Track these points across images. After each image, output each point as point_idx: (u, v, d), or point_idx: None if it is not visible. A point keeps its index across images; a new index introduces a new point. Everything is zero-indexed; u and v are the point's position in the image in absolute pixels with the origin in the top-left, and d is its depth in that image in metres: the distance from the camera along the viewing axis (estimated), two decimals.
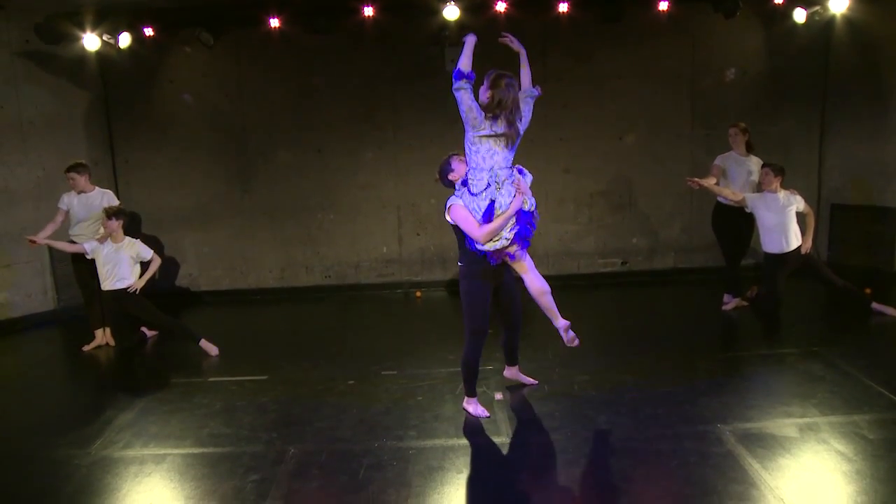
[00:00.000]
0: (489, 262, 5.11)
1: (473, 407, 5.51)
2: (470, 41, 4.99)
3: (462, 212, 5.05)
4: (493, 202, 4.93)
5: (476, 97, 4.95)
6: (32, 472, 4.92)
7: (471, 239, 5.05)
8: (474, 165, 5.00)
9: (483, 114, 4.88)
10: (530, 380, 6.02)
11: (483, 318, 5.29)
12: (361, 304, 9.48)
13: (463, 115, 4.91)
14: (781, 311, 7.54)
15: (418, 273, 10.01)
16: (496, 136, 4.92)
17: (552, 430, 5.21)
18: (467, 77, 4.86)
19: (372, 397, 5.95)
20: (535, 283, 5.25)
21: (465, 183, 5.09)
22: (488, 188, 4.94)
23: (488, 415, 5.45)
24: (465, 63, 4.90)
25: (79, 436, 5.44)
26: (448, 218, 5.19)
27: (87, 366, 7.51)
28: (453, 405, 5.69)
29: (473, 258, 5.14)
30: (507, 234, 4.99)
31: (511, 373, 6.05)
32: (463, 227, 5.06)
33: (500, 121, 4.91)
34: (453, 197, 5.18)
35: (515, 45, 5.28)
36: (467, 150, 5.03)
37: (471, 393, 5.54)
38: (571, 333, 5.27)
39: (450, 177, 5.34)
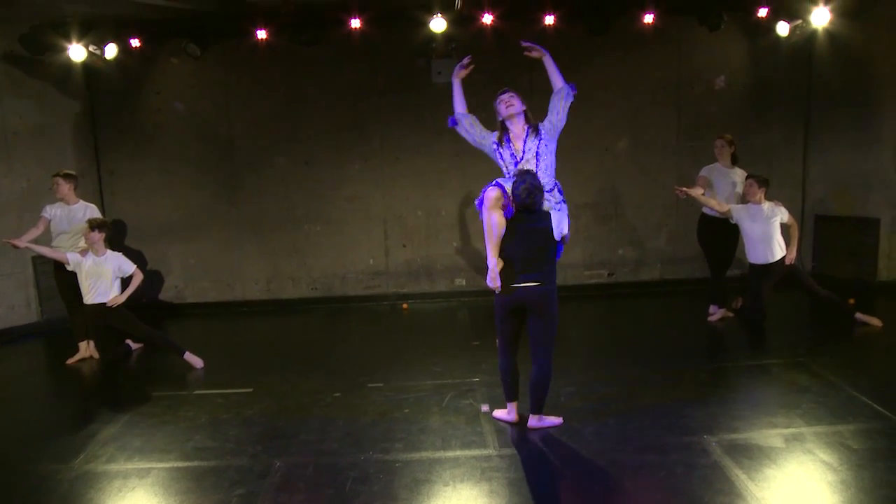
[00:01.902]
0: None
1: (552, 418, 5.49)
2: (548, 59, 5.42)
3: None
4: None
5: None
6: (13, 487, 4.86)
7: (561, 247, 5.20)
8: (552, 174, 5.22)
9: None
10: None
11: None
12: (348, 317, 9.46)
13: (560, 126, 5.25)
14: (766, 321, 7.58)
15: (405, 285, 10.00)
16: None
17: (538, 442, 5.20)
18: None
19: (358, 410, 5.93)
20: None
21: (561, 192, 5.23)
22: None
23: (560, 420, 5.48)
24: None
25: (61, 450, 5.38)
26: (563, 235, 5.15)
27: (70, 379, 7.44)
28: (440, 417, 5.67)
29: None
30: None
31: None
32: (566, 234, 5.19)
33: None
34: (559, 212, 5.13)
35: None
36: (553, 161, 5.22)
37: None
38: None
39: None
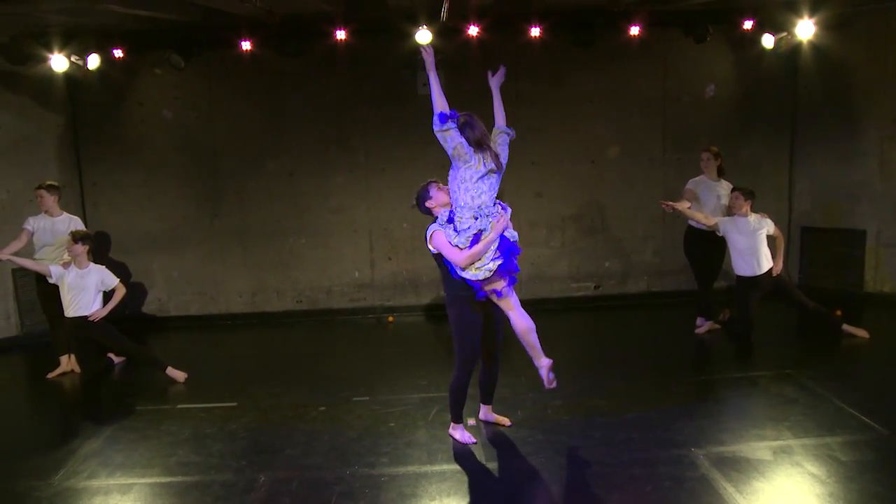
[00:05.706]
0: (475, 294, 4.97)
1: (460, 433, 5.43)
2: (433, 79, 4.93)
3: (443, 238, 4.93)
4: (480, 232, 4.85)
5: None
6: None
7: (454, 267, 4.94)
8: (462, 203, 4.89)
9: (473, 151, 4.84)
10: (505, 420, 5.71)
11: (474, 348, 5.18)
12: (333, 330, 9.40)
13: (451, 154, 4.87)
14: (754, 333, 7.56)
15: (390, 298, 9.93)
16: (488, 172, 4.88)
17: (526, 456, 5.16)
18: (451, 117, 4.84)
19: (343, 424, 5.87)
20: (522, 321, 5.02)
21: (450, 220, 4.97)
22: (477, 221, 4.86)
23: (475, 440, 5.38)
24: (441, 104, 4.88)
25: (40, 466, 5.30)
26: (430, 246, 5.06)
27: (51, 393, 7.35)
28: (426, 431, 5.62)
29: (459, 287, 5.03)
30: (490, 264, 4.84)
31: (484, 413, 5.73)
32: (445, 252, 4.92)
33: (487, 156, 4.88)
34: (435, 224, 5.05)
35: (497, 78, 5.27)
36: (455, 188, 4.94)
37: (457, 419, 5.46)
38: (552, 375, 5.05)
39: (427, 204, 5.20)
